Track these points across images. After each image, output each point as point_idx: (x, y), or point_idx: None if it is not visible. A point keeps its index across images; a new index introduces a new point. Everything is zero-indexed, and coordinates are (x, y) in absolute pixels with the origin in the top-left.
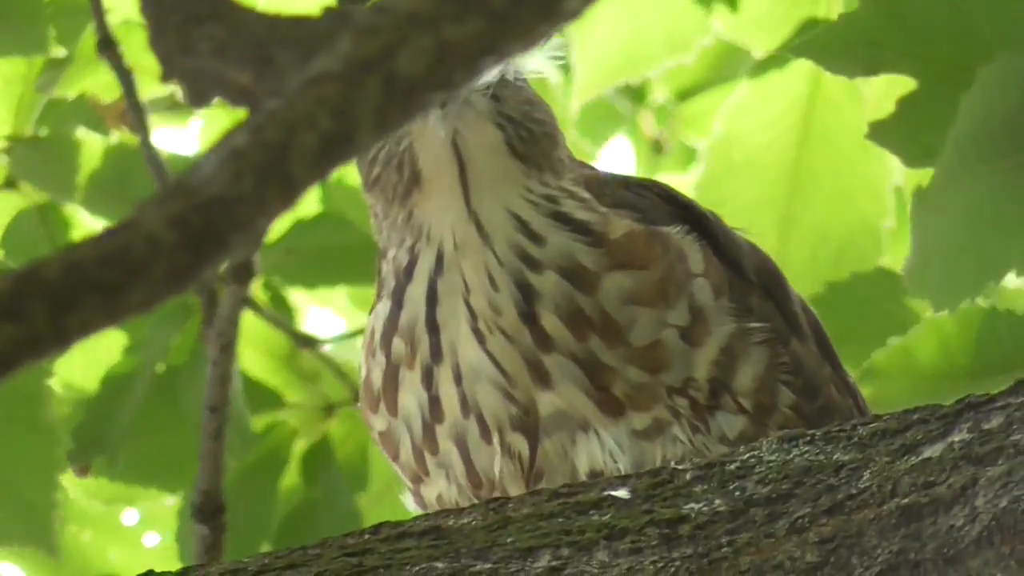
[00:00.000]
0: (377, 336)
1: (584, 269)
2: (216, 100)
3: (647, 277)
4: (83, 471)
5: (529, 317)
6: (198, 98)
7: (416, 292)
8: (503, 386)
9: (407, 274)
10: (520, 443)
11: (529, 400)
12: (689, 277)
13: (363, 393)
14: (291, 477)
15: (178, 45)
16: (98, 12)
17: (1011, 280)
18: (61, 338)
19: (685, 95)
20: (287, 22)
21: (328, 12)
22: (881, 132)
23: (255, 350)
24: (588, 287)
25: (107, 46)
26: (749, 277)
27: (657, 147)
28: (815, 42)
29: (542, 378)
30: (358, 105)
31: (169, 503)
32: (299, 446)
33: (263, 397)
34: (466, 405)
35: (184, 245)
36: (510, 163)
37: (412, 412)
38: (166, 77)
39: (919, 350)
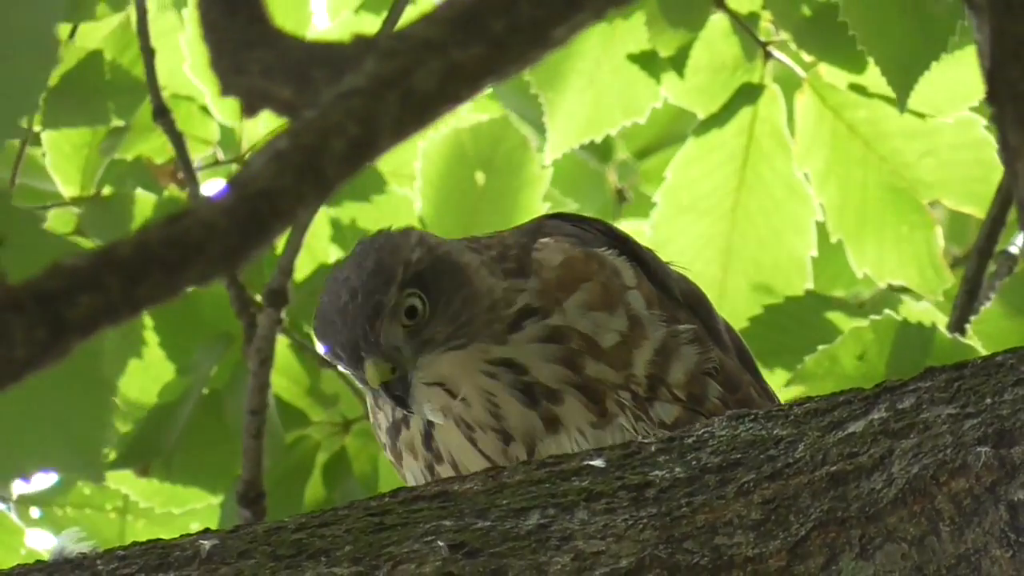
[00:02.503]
0: (381, 432)
1: (554, 327)
2: (264, 110)
3: (593, 287)
4: (143, 471)
5: (533, 401)
6: (249, 109)
7: (412, 433)
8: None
9: (403, 422)
10: (520, 451)
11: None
12: (624, 289)
13: (374, 431)
14: (315, 483)
15: (232, 67)
16: (153, 86)
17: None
18: (133, 306)
19: (643, 154)
20: (322, 47)
21: (356, 39)
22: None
23: (286, 378)
24: (561, 336)
25: (162, 113)
26: (676, 297)
27: (621, 197)
28: None
29: (553, 425)
30: (380, 116)
31: (213, 502)
32: (321, 458)
33: (292, 416)
34: (459, 472)
35: (235, 230)
36: (467, 361)
37: (415, 471)
38: (223, 93)
39: (843, 356)
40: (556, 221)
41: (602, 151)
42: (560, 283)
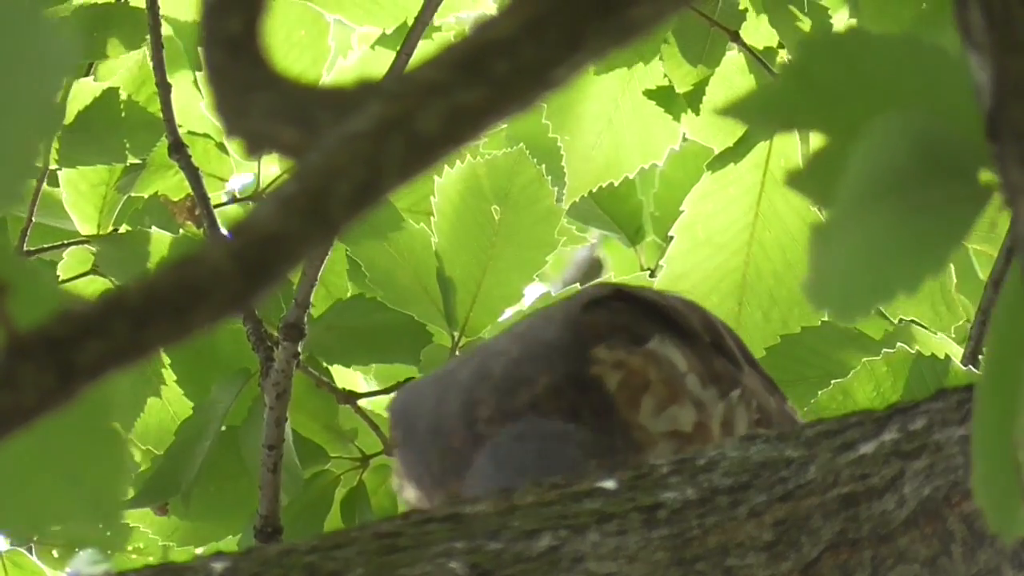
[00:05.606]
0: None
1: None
2: (268, 153)
3: (656, 387)
4: (162, 510)
5: None
6: (253, 152)
7: None
8: None
9: None
10: None
11: None
12: (682, 377)
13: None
14: (334, 519)
15: (236, 110)
16: (170, 120)
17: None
18: (141, 350)
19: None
20: (326, 90)
21: (360, 82)
22: (797, 180)
23: (303, 414)
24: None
25: (178, 149)
26: (703, 338)
27: (652, 274)
28: (742, 106)
29: None
30: (386, 158)
31: (231, 540)
32: (340, 493)
33: (310, 452)
34: None
35: (241, 274)
36: None
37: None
38: (226, 135)
39: (856, 390)
40: (594, 312)
41: (632, 233)
42: (628, 401)
